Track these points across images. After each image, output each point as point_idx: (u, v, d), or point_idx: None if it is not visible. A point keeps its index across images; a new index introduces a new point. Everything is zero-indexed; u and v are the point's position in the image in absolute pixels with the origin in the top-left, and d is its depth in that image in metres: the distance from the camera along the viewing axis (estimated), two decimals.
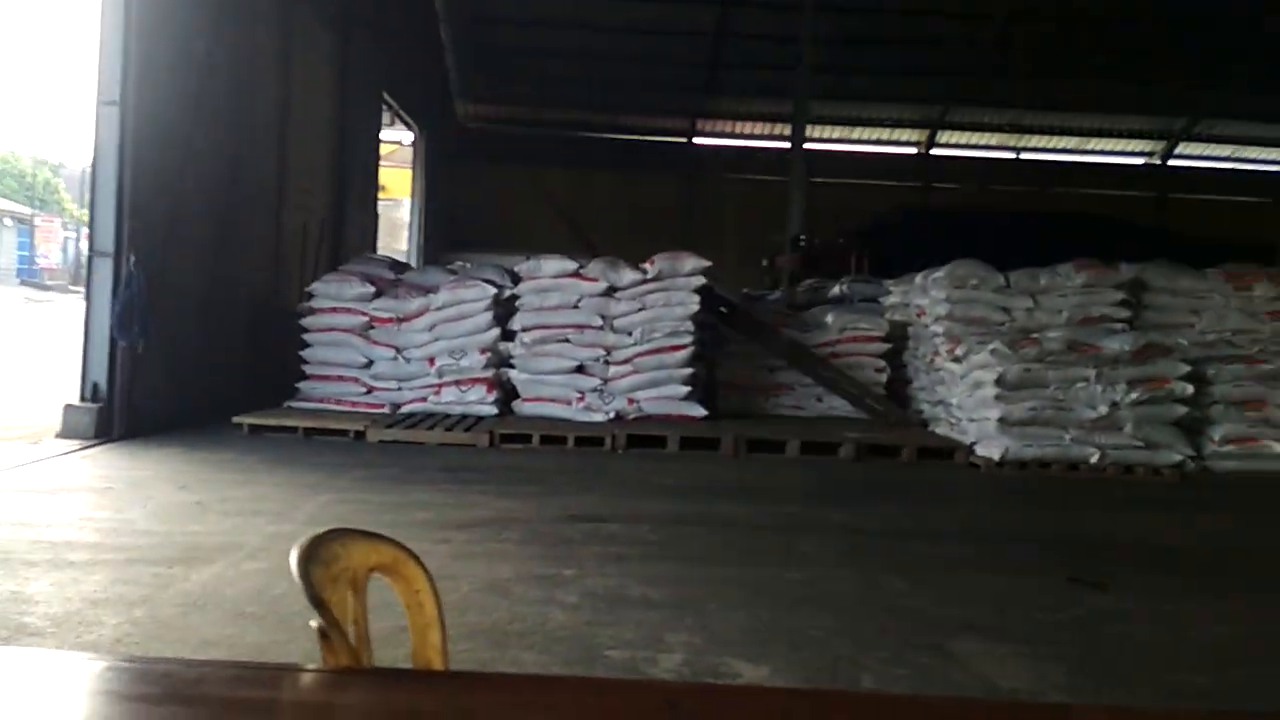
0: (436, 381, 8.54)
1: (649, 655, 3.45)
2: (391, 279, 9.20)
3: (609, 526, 5.31)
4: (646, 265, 8.60)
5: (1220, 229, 19.38)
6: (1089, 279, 8.58)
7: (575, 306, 8.49)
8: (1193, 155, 23.11)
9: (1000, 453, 7.56)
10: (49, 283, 38.26)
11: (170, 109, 7.74)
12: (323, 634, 1.21)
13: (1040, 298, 8.69)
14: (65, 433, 7.14)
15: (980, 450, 7.79)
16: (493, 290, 8.53)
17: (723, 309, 9.39)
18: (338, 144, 12.19)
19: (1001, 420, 7.60)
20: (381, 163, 14.95)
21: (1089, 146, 22.91)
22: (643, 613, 3.88)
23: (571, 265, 8.61)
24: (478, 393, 8.47)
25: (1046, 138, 22.68)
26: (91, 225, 7.39)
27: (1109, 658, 3.62)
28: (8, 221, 41.28)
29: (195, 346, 8.34)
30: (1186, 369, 7.62)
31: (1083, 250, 9.07)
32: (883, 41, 19.27)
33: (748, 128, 22.20)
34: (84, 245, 7.51)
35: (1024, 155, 22.91)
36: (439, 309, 8.52)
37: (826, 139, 22.05)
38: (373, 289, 8.73)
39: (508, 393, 8.62)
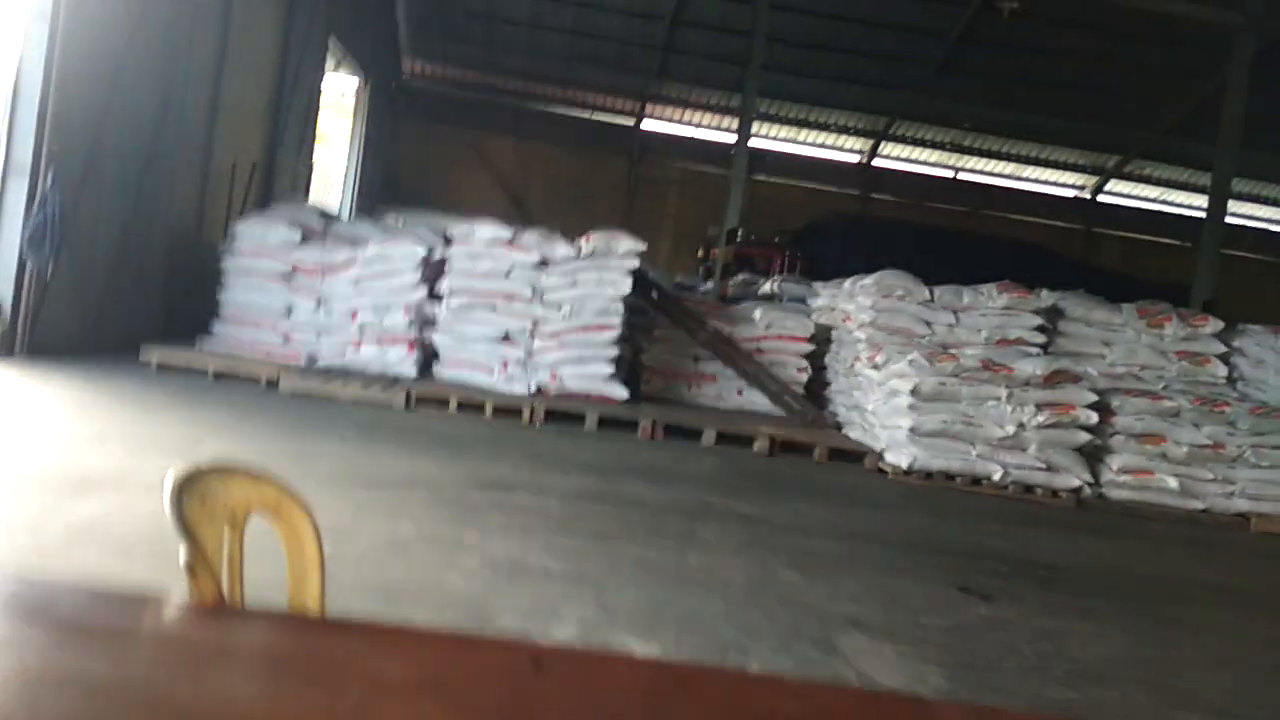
0: (357, 337, 8.39)
1: (542, 626, 3.45)
2: (320, 228, 9.01)
3: (517, 496, 5.29)
4: (582, 242, 8.56)
5: (1141, 267, 20.07)
6: (1010, 301, 8.78)
7: (506, 275, 8.42)
8: (1121, 193, 23.80)
9: (908, 461, 7.71)
10: None
11: (102, 34, 7.46)
12: (190, 568, 1.18)
13: (962, 315, 8.87)
14: None
15: (889, 457, 7.93)
16: (423, 250, 8.41)
17: (654, 293, 9.40)
18: (277, 85, 11.88)
19: (912, 430, 7.75)
20: (322, 110, 14.61)
21: (1024, 174, 23.43)
22: (541, 583, 3.88)
23: (506, 233, 8.53)
24: (398, 352, 8.35)
25: (984, 160, 23.15)
26: (9, 140, 7.09)
27: (987, 665, 3.72)
28: None
29: (108, 276, 8.07)
30: (1093, 398, 7.85)
31: (1008, 274, 9.28)
32: (836, 48, 19.45)
33: (696, 117, 22.22)
34: None
35: (961, 175, 23.35)
36: (366, 263, 8.37)
37: (772, 137, 22.19)
38: (299, 236, 8.54)
39: (429, 355, 8.52)
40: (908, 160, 23.16)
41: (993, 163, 23.16)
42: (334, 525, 4.19)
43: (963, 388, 7.78)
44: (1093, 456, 7.96)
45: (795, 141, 22.69)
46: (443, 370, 8.45)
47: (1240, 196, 21.58)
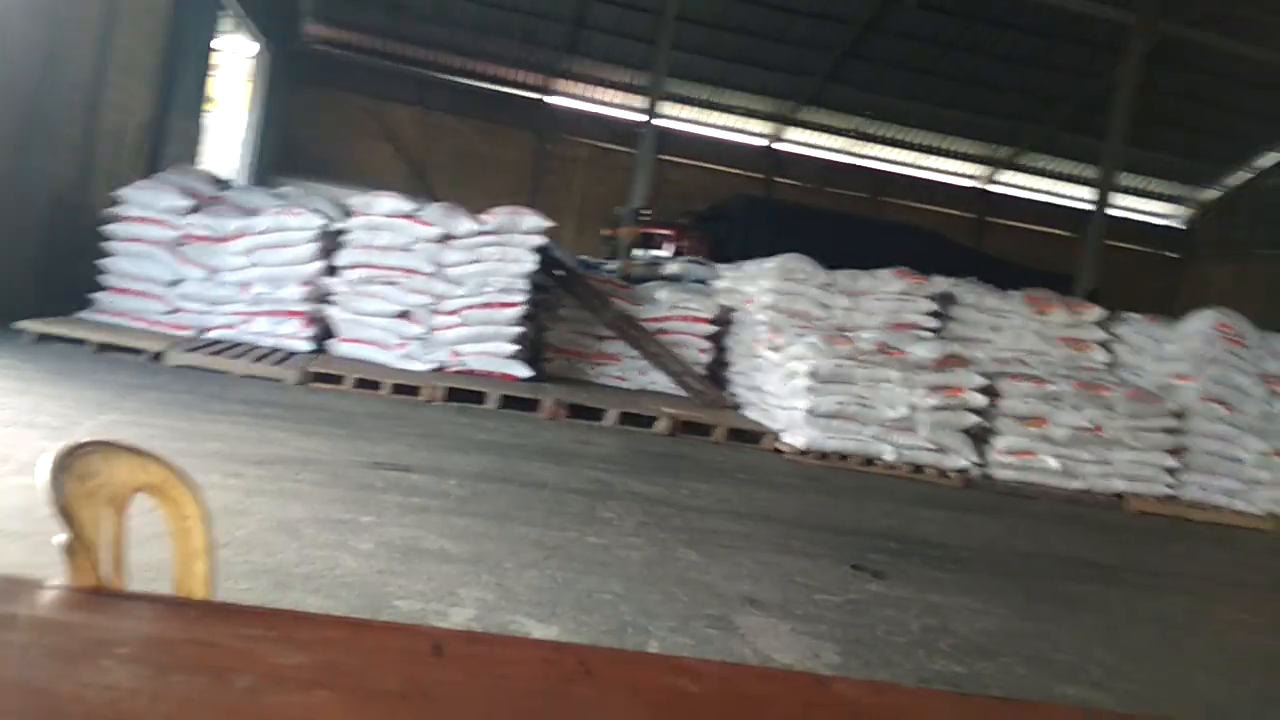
0: (249, 310, 8.14)
1: (439, 608, 3.41)
2: (211, 195, 8.69)
3: (414, 477, 5.21)
4: (486, 217, 8.45)
5: (1030, 256, 20.80)
6: (905, 287, 9.00)
7: (406, 250, 8.26)
8: (1013, 184, 24.62)
9: (805, 442, 7.86)
10: None
11: None
12: (68, 551, 1.12)
13: (859, 299, 9.06)
14: None
15: (786, 437, 8.07)
16: (320, 221, 8.18)
17: (558, 271, 9.35)
18: (169, 46, 11.38)
19: (809, 411, 7.89)
20: (217, 74, 14.07)
21: (922, 163, 24.03)
22: (438, 565, 3.83)
23: (407, 206, 8.36)
24: (292, 326, 8.13)
25: (884, 148, 23.66)
26: None
27: (878, 641, 3.83)
28: None
29: None
30: (981, 381, 8.12)
31: (905, 259, 9.51)
32: (744, 31, 19.59)
33: (604, 94, 22.13)
34: None
35: (862, 162, 23.82)
36: (260, 233, 8.11)
37: (680, 118, 22.25)
38: (189, 203, 8.22)
39: (325, 330, 8.32)
40: (811, 145, 23.52)
41: (892, 150, 23.69)
42: (223, 506, 4.08)
43: (858, 370, 7.96)
44: (979, 438, 8.24)
45: (702, 123, 22.80)
46: (339, 346, 8.25)
47: (1124, 190, 22.53)
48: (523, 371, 8.43)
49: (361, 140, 20.39)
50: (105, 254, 8.13)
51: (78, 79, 9.03)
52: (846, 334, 8.42)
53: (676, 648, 3.39)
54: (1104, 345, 9.27)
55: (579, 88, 22.04)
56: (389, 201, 8.37)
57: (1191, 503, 8.47)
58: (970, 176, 24.45)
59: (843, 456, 7.91)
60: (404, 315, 8.26)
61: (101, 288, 8.11)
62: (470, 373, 8.27)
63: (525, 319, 8.58)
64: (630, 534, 4.80)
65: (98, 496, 1.25)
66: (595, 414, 8.08)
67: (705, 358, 9.69)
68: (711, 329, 9.74)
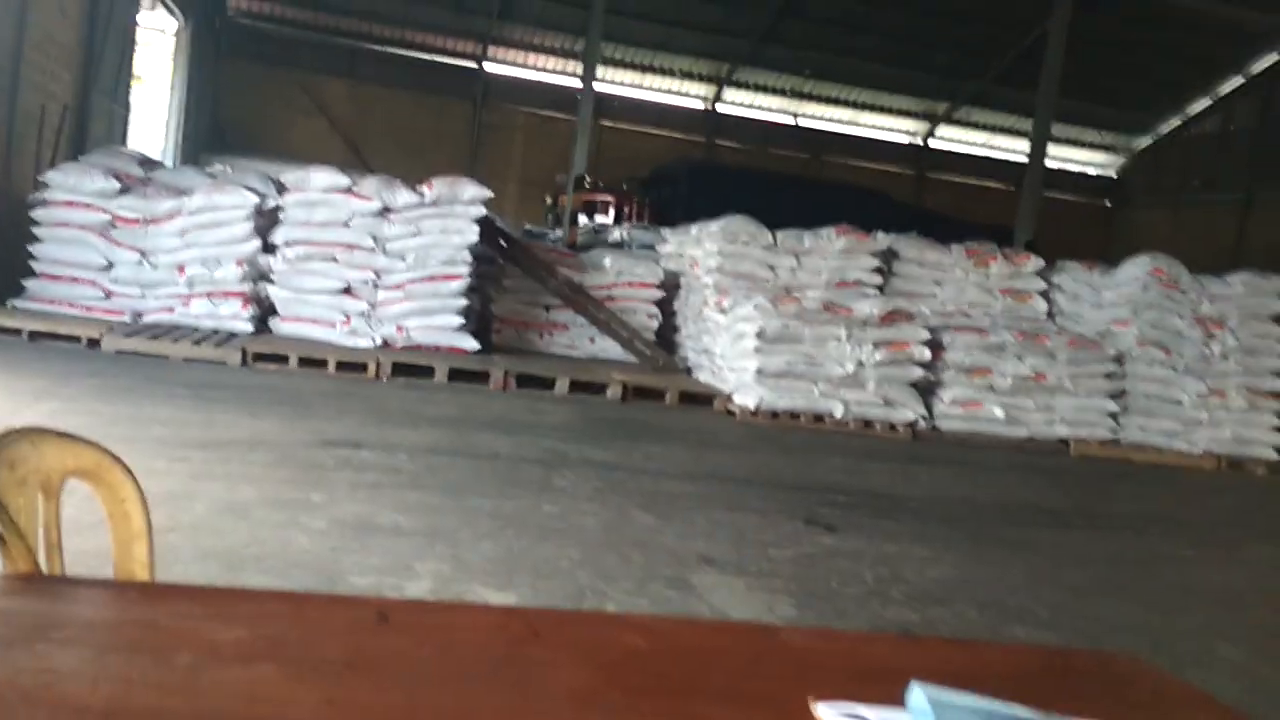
0: (186, 292, 7.96)
1: (395, 582, 3.39)
2: (141, 176, 8.47)
3: (364, 453, 5.16)
4: (425, 188, 8.33)
5: (969, 210, 21.03)
6: (848, 245, 9.06)
7: (345, 225, 8.12)
8: (951, 139, 24.83)
9: (755, 402, 7.91)
10: None
11: None
12: (1, 538, 1.09)
13: (803, 258, 9.10)
14: None
15: (737, 398, 8.12)
16: (254, 199, 8.01)
17: (502, 242, 9.27)
18: (88, 22, 11.02)
19: (759, 371, 7.94)
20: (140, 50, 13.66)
21: (861, 120, 24.12)
22: (392, 540, 3.81)
23: (344, 180, 8.21)
24: (232, 307, 7.97)
25: (823, 106, 23.70)
26: None
27: (832, 593, 3.88)
28: None
29: None
30: (926, 335, 8.22)
31: (847, 218, 9.56)
32: None
33: (540, 61, 21.86)
34: None
35: (802, 122, 23.85)
36: (192, 213, 7.91)
37: (618, 83, 22.08)
38: (118, 185, 8.00)
39: (266, 310, 8.17)
40: (751, 107, 23.48)
41: (831, 109, 23.74)
42: (169, 491, 4.00)
43: (805, 329, 8.01)
44: (926, 391, 8.36)
45: (641, 87, 22.65)
46: (281, 325, 8.11)
47: (1059, 141, 22.83)
48: (470, 344, 8.36)
49: (293, 115, 19.95)
50: (32, 240, 7.89)
51: None
52: (793, 294, 8.46)
53: (634, 610, 3.41)
54: (1043, 295, 9.42)
55: (515, 55, 21.74)
56: (324, 176, 8.22)
57: (1133, 445, 8.68)
58: (909, 133, 24.61)
59: (793, 415, 7.98)
60: (346, 291, 8.14)
61: (32, 274, 7.88)
62: (417, 347, 8.19)
63: (470, 291, 8.50)
64: (585, 500, 4.81)
65: (29, 484, 1.22)
66: (546, 383, 8.06)
67: (654, 323, 9.69)
68: (659, 294, 9.74)
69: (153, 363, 7.00)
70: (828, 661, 0.97)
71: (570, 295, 9.29)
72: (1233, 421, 8.73)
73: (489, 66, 21.68)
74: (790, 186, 18.27)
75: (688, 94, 23.14)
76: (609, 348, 9.42)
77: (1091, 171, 26.26)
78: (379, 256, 8.14)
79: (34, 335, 7.19)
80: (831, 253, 9.07)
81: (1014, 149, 23.54)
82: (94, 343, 7.22)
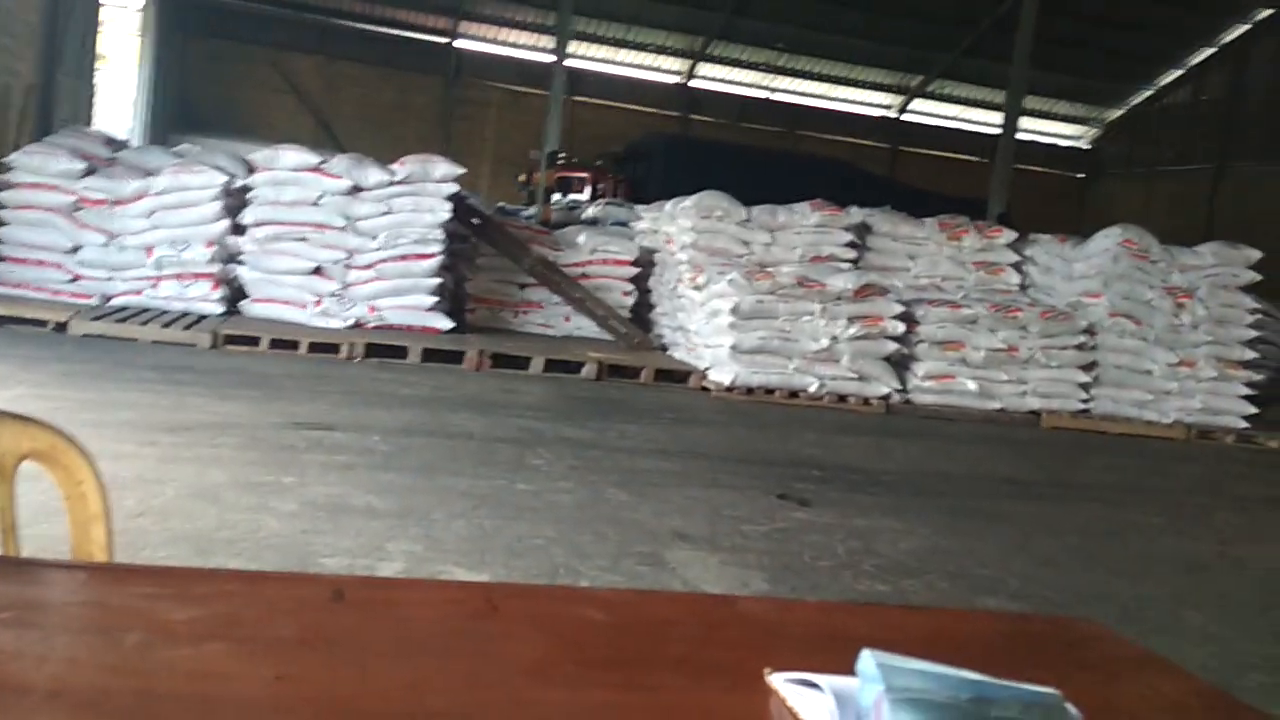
0: (154, 274, 7.86)
1: (368, 563, 3.38)
2: (107, 157, 8.34)
3: (336, 435, 5.13)
4: (396, 166, 8.25)
5: (943, 182, 21.10)
6: (822, 219, 9.07)
7: (315, 204, 8.04)
8: (925, 112, 24.86)
9: (731, 378, 7.92)
10: None
11: None
12: None
13: (778, 234, 9.10)
14: None
15: (713, 375, 8.13)
16: (222, 178, 7.91)
17: (475, 220, 9.21)
18: (50, 2, 10.83)
19: (734, 348, 7.95)
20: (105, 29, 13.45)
21: (835, 94, 24.11)
22: (364, 521, 3.79)
23: (313, 159, 8.12)
24: (201, 289, 7.89)
25: (797, 80, 23.66)
26: None
27: (805, 566, 3.91)
28: None
29: None
30: (900, 309, 8.25)
31: (821, 192, 9.56)
32: None
33: (513, 36, 21.69)
34: None
35: (776, 96, 23.81)
36: (160, 194, 7.81)
37: (591, 58, 21.95)
38: (84, 165, 7.88)
39: (236, 291, 8.09)
40: (725, 81, 23.42)
41: (805, 83, 23.71)
42: (138, 475, 3.97)
43: (780, 304, 8.02)
44: (900, 365, 8.40)
45: (615, 62, 22.53)
46: (251, 307, 8.04)
47: (1031, 113, 22.90)
48: (444, 323, 8.32)
49: (262, 93, 19.72)
50: None
51: None
52: (767, 269, 8.46)
53: (607, 586, 3.41)
54: (1016, 267, 9.47)
55: (487, 30, 21.57)
56: (293, 155, 8.13)
57: (1104, 416, 8.77)
58: (883, 107, 24.63)
59: (768, 391, 8.00)
60: (317, 272, 8.07)
61: None
62: (390, 327, 8.14)
63: (443, 270, 8.45)
64: (560, 479, 4.81)
65: None
66: (521, 363, 8.03)
67: (629, 300, 9.66)
68: (633, 271, 9.70)
69: (121, 346, 6.92)
70: (785, 631, 0.97)
71: (545, 273, 9.25)
72: (1202, 391, 8.83)
73: (461, 43, 21.50)
74: (765, 161, 18.25)
75: (662, 69, 23.05)
76: (584, 326, 9.39)
77: (1064, 143, 26.40)
78: (350, 236, 8.07)
79: (0, 319, 7.09)
80: (805, 228, 9.07)
81: (987, 121, 23.62)
82: (61, 326, 7.13)
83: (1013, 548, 4.62)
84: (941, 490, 5.73)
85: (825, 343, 8.03)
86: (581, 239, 9.75)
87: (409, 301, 8.22)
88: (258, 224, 7.97)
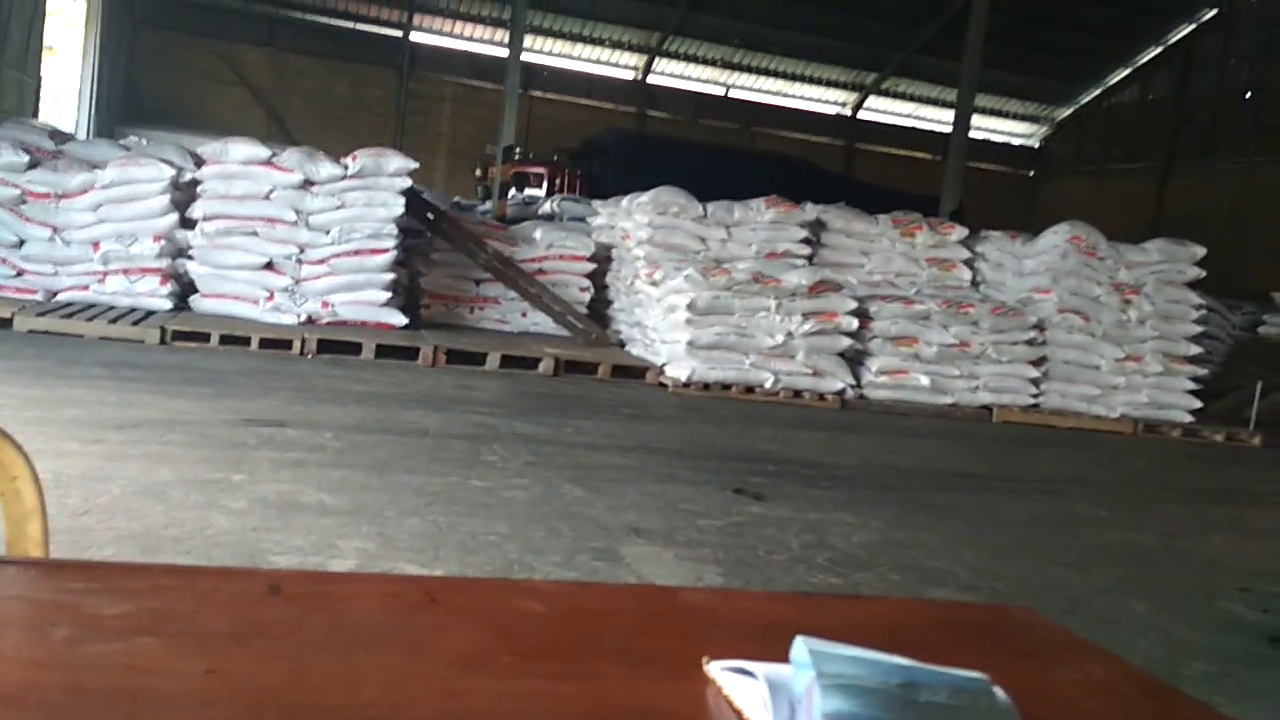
0: (101, 269, 7.73)
1: (319, 561, 3.35)
2: (52, 150, 8.18)
3: (288, 432, 5.07)
4: (348, 160, 8.17)
5: (897, 179, 21.31)
6: (777, 216, 9.12)
7: (266, 198, 7.93)
8: (879, 110, 25.09)
9: (687, 374, 7.95)
10: None
11: None
12: None
13: (733, 230, 9.14)
14: None
15: (670, 371, 8.15)
16: (170, 171, 7.78)
17: (429, 215, 9.14)
18: None
19: (690, 343, 7.98)
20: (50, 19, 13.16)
21: (790, 91, 24.25)
22: (316, 519, 3.75)
23: (264, 152, 8.01)
24: (149, 284, 7.76)
25: (753, 77, 23.77)
26: None
27: (759, 560, 3.93)
28: None
29: None
30: (854, 305, 8.32)
31: (776, 188, 9.62)
32: None
33: (468, 29, 21.55)
34: None
35: (732, 93, 23.90)
36: (106, 187, 7.67)
37: (548, 52, 21.88)
38: (28, 158, 7.72)
39: (185, 287, 7.97)
40: (681, 77, 23.46)
41: (761, 79, 23.83)
42: (83, 473, 3.90)
43: (735, 300, 8.06)
44: (854, 360, 8.47)
45: (572, 57, 22.48)
46: (201, 302, 7.92)
47: (983, 111, 23.21)
48: (398, 319, 8.26)
49: (212, 85, 19.43)
50: None
51: None
52: (723, 265, 8.49)
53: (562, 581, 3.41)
54: (968, 264, 9.59)
55: (442, 23, 21.41)
56: (243, 148, 8.01)
57: (1054, 410, 8.91)
58: (838, 104, 24.81)
59: (725, 386, 8.03)
60: (269, 267, 7.97)
61: None
62: (343, 323, 8.06)
63: (398, 265, 8.39)
64: (515, 475, 4.79)
65: None
66: (477, 358, 7.99)
67: (586, 296, 9.66)
68: (590, 266, 9.70)
69: (67, 342, 6.79)
70: (726, 620, 0.98)
71: (500, 269, 9.21)
72: (1149, 386, 9.01)
73: (415, 36, 21.32)
74: (721, 157, 18.32)
75: (618, 64, 23.04)
76: (541, 322, 9.37)
77: (1016, 142, 26.78)
78: (302, 230, 7.98)
79: None
80: (761, 224, 9.12)
81: (940, 120, 23.89)
82: (5, 322, 6.98)
83: (963, 540, 4.68)
84: (894, 484, 5.79)
85: (781, 338, 8.08)
86: (538, 234, 9.73)
87: (363, 297, 8.15)
88: (207, 218, 7.86)
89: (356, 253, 8.07)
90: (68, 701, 0.69)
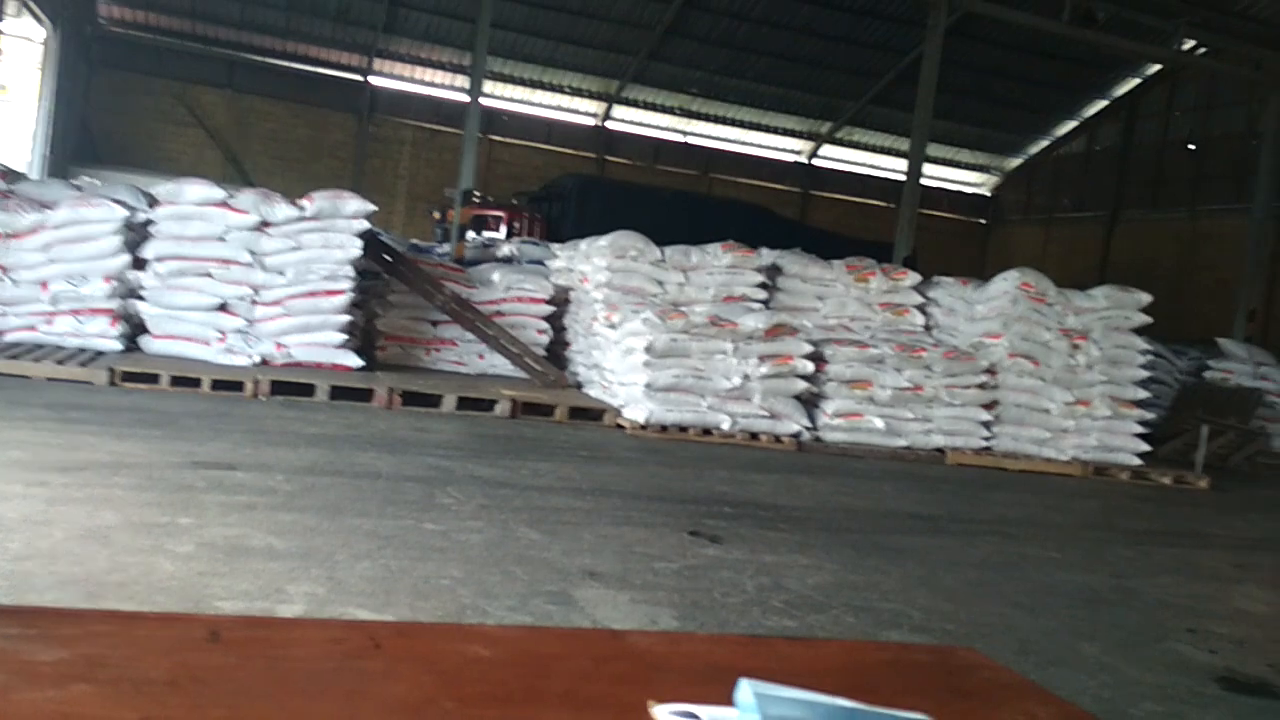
0: (50, 309, 7.60)
1: (266, 606, 3.29)
2: (3, 189, 8.08)
3: (238, 474, 5.00)
4: (305, 202, 8.14)
5: (851, 226, 21.65)
6: (734, 260, 9.21)
7: (220, 239, 7.87)
8: (834, 158, 25.52)
9: (645, 416, 7.95)
10: None
11: None
12: None
13: (691, 274, 9.21)
14: None
15: (627, 413, 8.15)
16: (123, 212, 7.70)
17: (386, 256, 9.12)
18: None
19: (648, 386, 7.99)
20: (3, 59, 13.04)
21: (748, 139, 24.60)
22: (264, 563, 3.69)
23: (219, 193, 7.96)
24: (99, 325, 7.64)
25: (712, 125, 24.09)
26: None
27: (715, 603, 3.92)
28: None
29: None
30: (809, 349, 8.40)
31: (733, 234, 9.72)
32: (565, 9, 19.54)
33: (428, 75, 21.66)
34: None
35: (690, 140, 24.19)
36: (57, 227, 7.57)
37: (508, 98, 22.03)
38: None
39: (136, 328, 7.86)
40: (640, 124, 23.71)
41: (719, 128, 24.15)
42: (24, 516, 3.81)
43: (693, 343, 8.10)
44: (810, 403, 8.54)
45: (531, 103, 22.65)
46: (152, 343, 7.81)
47: (935, 161, 23.70)
48: (353, 361, 8.20)
49: (169, 126, 19.30)
50: None
51: None
52: (680, 308, 8.55)
53: (516, 625, 3.38)
54: (920, 309, 9.73)
55: (401, 68, 21.49)
56: (198, 189, 7.96)
57: (1005, 453, 9.02)
58: (794, 152, 25.19)
59: (682, 429, 8.05)
60: (222, 308, 7.89)
61: None
62: (297, 365, 7.99)
63: (353, 307, 8.35)
64: (470, 518, 4.75)
65: None
66: (433, 400, 7.94)
67: (544, 338, 9.66)
68: (549, 309, 9.71)
69: (13, 383, 6.66)
70: (671, 663, 0.98)
71: (458, 310, 9.19)
72: (1098, 429, 9.16)
73: (375, 80, 21.37)
74: (679, 202, 18.50)
75: (578, 110, 23.25)
76: (498, 363, 9.35)
77: (967, 190, 27.32)
78: (256, 272, 7.92)
79: None
80: (718, 268, 9.20)
81: (893, 168, 24.33)
82: None
83: (916, 582, 4.70)
84: (849, 526, 5.82)
85: (737, 381, 8.12)
86: (496, 276, 9.73)
87: (317, 339, 8.08)
88: (160, 259, 7.77)
89: (312, 294, 8.02)
90: None
